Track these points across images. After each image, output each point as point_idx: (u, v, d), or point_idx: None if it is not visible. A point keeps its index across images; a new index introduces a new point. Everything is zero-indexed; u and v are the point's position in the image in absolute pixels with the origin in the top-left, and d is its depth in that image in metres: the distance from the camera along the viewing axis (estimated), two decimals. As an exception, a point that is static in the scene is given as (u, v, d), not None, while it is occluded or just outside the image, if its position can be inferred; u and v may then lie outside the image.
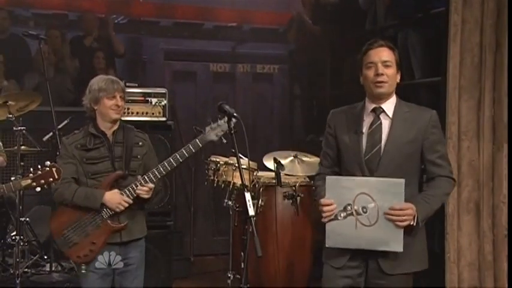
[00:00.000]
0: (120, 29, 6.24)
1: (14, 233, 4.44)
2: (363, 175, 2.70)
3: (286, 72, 6.60)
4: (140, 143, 3.27)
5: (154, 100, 4.58)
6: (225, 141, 3.10)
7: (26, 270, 4.59)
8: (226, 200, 4.17)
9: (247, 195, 2.88)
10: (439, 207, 2.79)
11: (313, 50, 6.20)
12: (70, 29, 6.10)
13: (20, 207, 4.49)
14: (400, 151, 2.70)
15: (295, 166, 4.26)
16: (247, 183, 3.09)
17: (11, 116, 4.34)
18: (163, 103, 4.60)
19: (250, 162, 3.92)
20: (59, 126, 4.58)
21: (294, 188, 4.09)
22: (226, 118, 2.96)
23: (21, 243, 4.37)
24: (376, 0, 5.27)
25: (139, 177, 3.13)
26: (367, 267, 2.73)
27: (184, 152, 3.12)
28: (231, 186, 4.09)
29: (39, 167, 2.95)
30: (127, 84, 3.55)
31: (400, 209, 2.58)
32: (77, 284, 3.45)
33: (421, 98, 4.53)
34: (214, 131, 3.10)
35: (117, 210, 3.09)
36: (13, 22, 5.84)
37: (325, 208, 2.65)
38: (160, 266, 4.43)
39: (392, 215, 2.58)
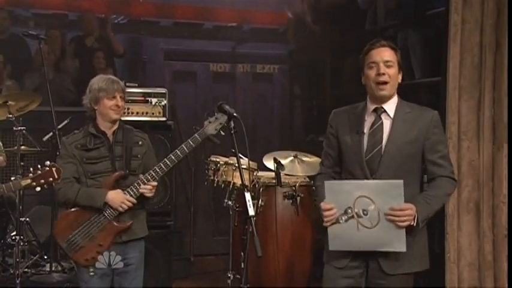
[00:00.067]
0: (120, 29, 6.25)
1: (14, 233, 4.44)
2: (364, 175, 2.70)
3: (286, 72, 6.60)
4: (140, 143, 3.27)
5: (154, 100, 4.58)
6: (223, 134, 3.09)
7: (26, 270, 4.58)
8: (226, 200, 4.18)
9: (247, 195, 2.89)
10: (440, 207, 2.79)
11: (313, 50, 6.20)
12: (70, 29, 6.10)
13: (20, 207, 4.49)
14: (401, 151, 2.70)
15: (295, 166, 4.26)
16: (247, 183, 3.08)
17: (11, 116, 4.34)
18: (163, 103, 4.60)
19: (250, 162, 3.92)
20: (59, 126, 4.58)
21: (294, 188, 4.09)
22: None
23: (21, 243, 4.36)
24: (376, 0, 5.27)
25: (141, 175, 3.13)
26: (368, 267, 2.73)
27: (185, 148, 3.11)
28: (231, 186, 4.09)
29: (39, 166, 2.94)
30: (127, 84, 3.54)
31: (400, 210, 2.58)
32: (76, 284, 3.44)
33: (421, 98, 4.53)
34: (213, 125, 3.09)
35: (120, 209, 3.08)
36: (13, 22, 5.84)
37: (326, 213, 2.65)
38: (160, 266, 4.43)
39: (392, 215, 2.58)
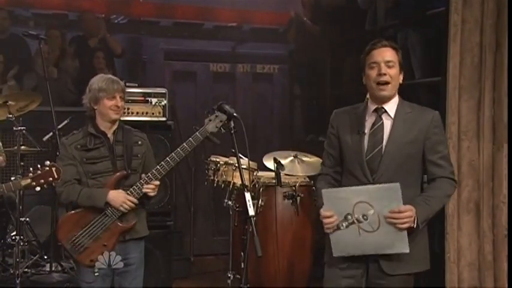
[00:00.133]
0: (120, 29, 6.24)
1: (14, 233, 4.44)
2: (364, 175, 2.70)
3: (286, 72, 6.60)
4: (139, 142, 3.27)
5: (154, 100, 4.58)
6: (223, 131, 3.09)
7: (26, 270, 4.58)
8: (226, 200, 4.17)
9: (247, 195, 2.89)
10: (440, 208, 2.79)
11: (313, 50, 6.19)
12: (70, 29, 6.09)
13: (20, 207, 4.49)
14: (401, 151, 2.70)
15: (295, 166, 4.26)
16: (247, 183, 3.09)
17: (11, 116, 4.34)
18: (163, 103, 4.60)
19: (250, 162, 3.92)
20: (59, 126, 4.58)
21: (294, 188, 4.09)
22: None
23: (21, 243, 4.37)
24: (376, 0, 5.27)
25: (143, 175, 3.13)
26: (368, 267, 2.73)
27: (187, 146, 3.11)
28: (231, 186, 4.09)
29: (39, 166, 2.94)
30: (127, 84, 3.54)
31: (399, 212, 2.57)
32: (77, 284, 3.44)
33: (421, 98, 4.53)
34: (214, 123, 3.09)
35: (121, 209, 3.08)
36: (13, 22, 5.83)
37: (326, 220, 2.65)
38: (160, 266, 4.43)
39: (392, 218, 2.58)
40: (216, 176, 4.13)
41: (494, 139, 3.67)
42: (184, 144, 3.11)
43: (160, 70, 6.22)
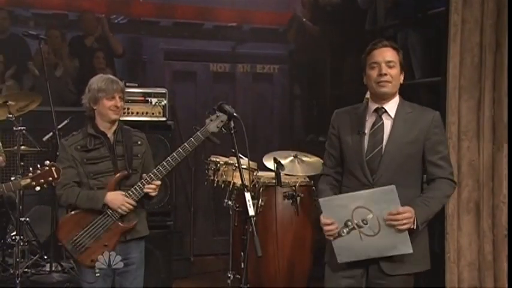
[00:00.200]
0: (120, 29, 6.24)
1: (14, 233, 4.44)
2: (364, 175, 2.70)
3: (286, 72, 6.60)
4: (139, 142, 3.27)
5: (154, 100, 4.58)
6: (224, 131, 3.09)
7: (26, 270, 4.57)
8: (226, 200, 4.18)
9: (247, 195, 2.89)
10: (440, 209, 2.79)
11: (313, 50, 6.19)
12: (70, 29, 6.09)
13: (20, 207, 4.48)
14: (401, 151, 2.70)
15: (295, 166, 4.26)
16: (247, 183, 3.09)
17: (11, 116, 4.34)
18: (163, 103, 4.60)
19: (250, 162, 3.92)
20: (59, 126, 4.58)
21: (294, 188, 4.09)
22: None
23: (21, 243, 4.36)
24: (376, 0, 5.27)
25: (145, 175, 3.13)
26: (369, 267, 2.74)
27: (188, 146, 3.10)
28: (231, 186, 4.09)
29: (39, 166, 2.94)
30: (127, 84, 3.55)
31: (398, 213, 2.57)
32: (76, 284, 3.44)
33: (421, 98, 4.53)
34: (215, 123, 3.09)
35: (120, 211, 3.08)
36: (13, 22, 5.84)
37: (326, 227, 2.66)
38: (160, 266, 4.43)
39: (391, 220, 2.58)
40: (216, 176, 4.13)
41: (494, 139, 3.67)
42: (186, 144, 3.11)
43: (160, 70, 6.22)
